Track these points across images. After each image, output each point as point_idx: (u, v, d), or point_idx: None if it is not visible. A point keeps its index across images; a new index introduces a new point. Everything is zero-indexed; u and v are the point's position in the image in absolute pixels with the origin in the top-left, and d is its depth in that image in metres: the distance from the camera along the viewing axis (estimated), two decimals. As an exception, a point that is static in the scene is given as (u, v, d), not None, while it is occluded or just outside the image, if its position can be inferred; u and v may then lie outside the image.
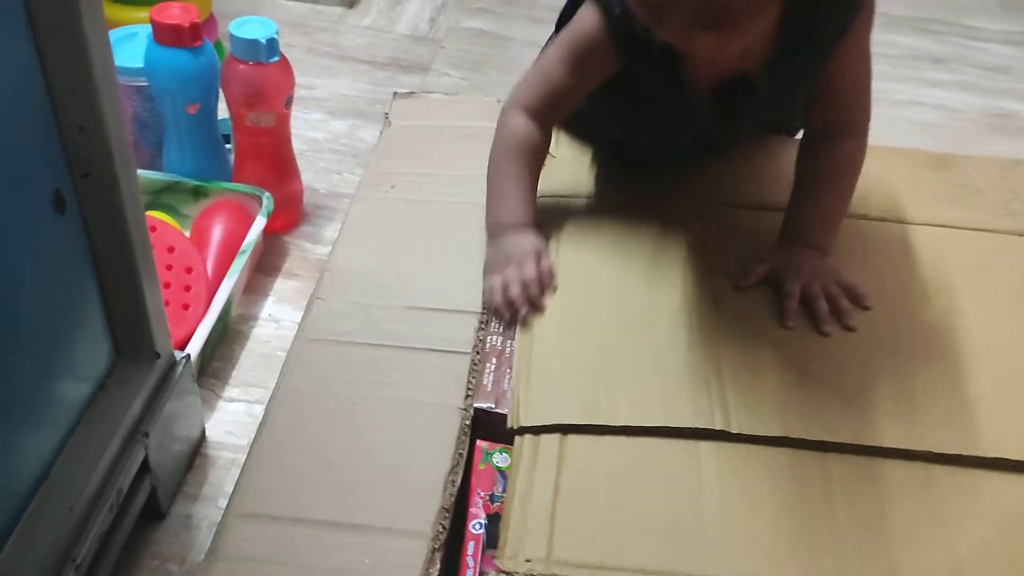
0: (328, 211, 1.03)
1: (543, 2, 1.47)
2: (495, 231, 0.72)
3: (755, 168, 0.80)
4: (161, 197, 0.94)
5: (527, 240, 0.71)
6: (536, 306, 0.67)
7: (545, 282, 0.69)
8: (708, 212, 0.75)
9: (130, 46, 0.96)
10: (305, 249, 0.99)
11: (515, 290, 0.68)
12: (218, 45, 1.16)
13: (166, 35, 0.86)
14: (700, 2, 0.57)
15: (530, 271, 0.68)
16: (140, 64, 0.90)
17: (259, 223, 0.90)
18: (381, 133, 0.75)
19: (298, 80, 0.91)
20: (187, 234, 0.91)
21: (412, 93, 0.78)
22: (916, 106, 1.32)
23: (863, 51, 0.70)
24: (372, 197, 0.72)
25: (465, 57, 1.33)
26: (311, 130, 1.15)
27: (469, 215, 0.71)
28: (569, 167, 0.79)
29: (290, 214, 1.00)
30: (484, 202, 0.70)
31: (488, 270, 0.71)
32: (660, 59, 0.67)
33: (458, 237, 0.70)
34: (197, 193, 0.94)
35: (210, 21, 1.19)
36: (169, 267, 0.83)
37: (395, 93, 0.76)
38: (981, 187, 0.77)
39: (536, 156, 0.73)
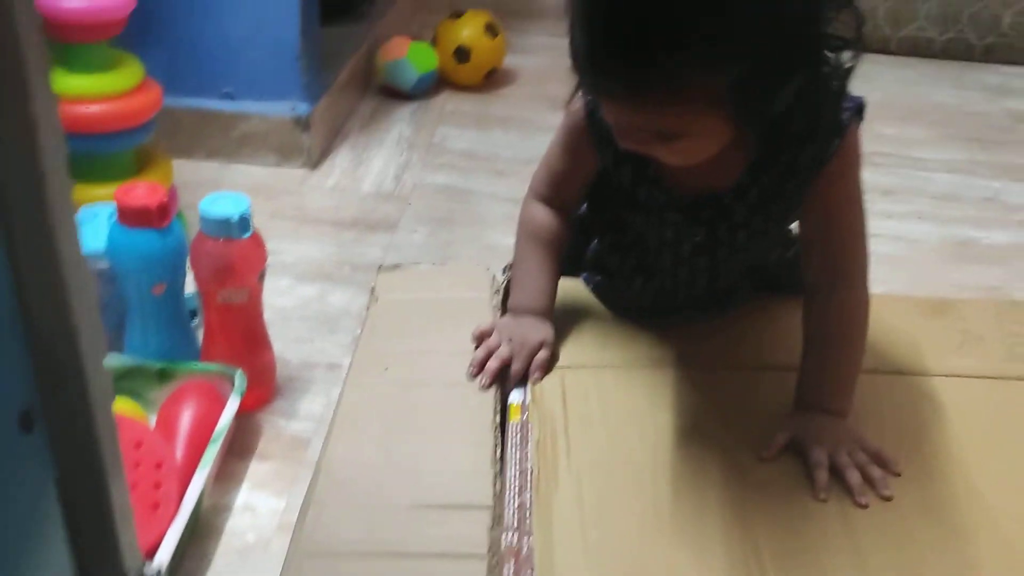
0: (302, 383, 0.98)
1: (504, 155, 1.48)
2: (515, 311, 0.78)
3: (755, 328, 0.78)
4: (123, 383, 0.88)
5: (538, 330, 0.75)
6: (500, 387, 0.73)
7: (529, 376, 0.74)
8: (716, 377, 0.72)
9: (90, 227, 0.91)
10: (279, 426, 0.93)
11: (494, 365, 0.73)
12: (179, 215, 1.13)
13: (132, 217, 0.83)
14: (648, 120, 0.61)
15: (518, 365, 0.73)
16: (102, 246, 0.86)
17: (232, 405, 0.84)
18: (368, 309, 0.71)
19: (264, 247, 0.88)
20: (153, 420, 0.85)
21: (398, 265, 0.75)
22: (876, 238, 1.33)
23: (848, 194, 0.71)
24: (365, 382, 0.68)
25: (432, 214, 1.32)
26: (279, 297, 1.10)
27: (470, 395, 0.67)
28: (568, 334, 0.76)
29: (262, 389, 0.94)
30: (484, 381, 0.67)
31: (496, 328, 0.76)
32: (632, 157, 0.70)
33: (461, 420, 0.65)
34: (163, 376, 0.88)
35: (171, 193, 1.17)
36: (137, 464, 0.76)
37: (380, 266, 0.73)
38: (982, 332, 0.76)
39: (553, 240, 0.78)
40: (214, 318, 0.89)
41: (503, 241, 0.95)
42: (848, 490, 0.63)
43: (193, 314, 0.95)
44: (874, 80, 1.85)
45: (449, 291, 0.75)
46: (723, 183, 0.71)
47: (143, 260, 0.84)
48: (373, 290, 0.74)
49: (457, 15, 1.64)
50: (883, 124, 1.68)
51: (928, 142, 1.63)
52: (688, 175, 0.70)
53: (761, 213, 0.73)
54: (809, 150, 0.68)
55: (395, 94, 1.61)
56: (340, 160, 1.43)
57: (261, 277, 0.89)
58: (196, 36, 1.28)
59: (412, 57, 1.57)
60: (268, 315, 1.00)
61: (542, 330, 0.75)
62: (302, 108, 1.35)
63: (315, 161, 1.39)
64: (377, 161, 1.44)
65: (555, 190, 0.79)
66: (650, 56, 0.57)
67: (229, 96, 1.34)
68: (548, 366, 0.74)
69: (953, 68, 1.95)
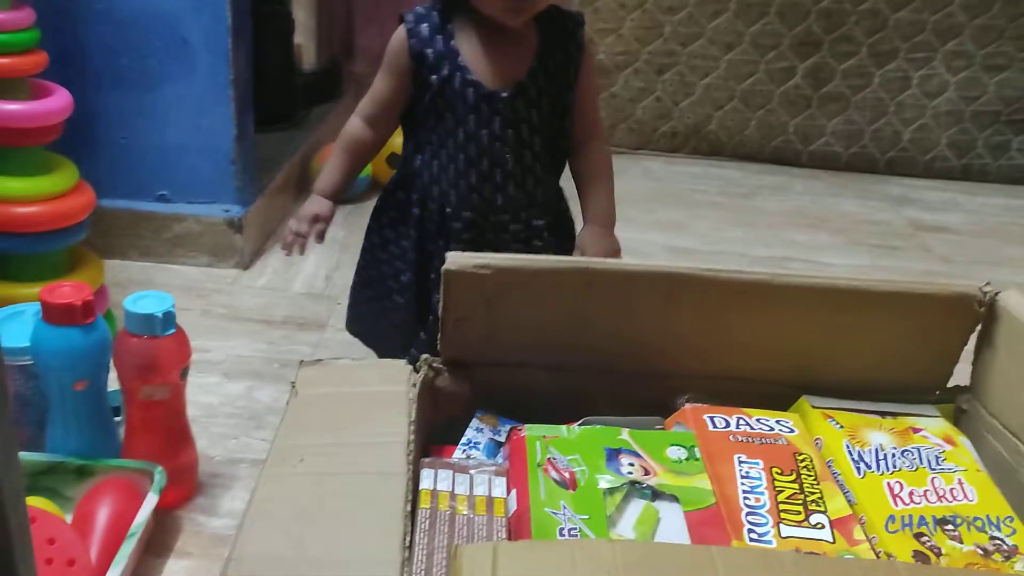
0: (225, 479, 0.99)
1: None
2: (312, 193, 1.03)
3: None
4: (41, 480, 0.88)
5: (316, 204, 1.01)
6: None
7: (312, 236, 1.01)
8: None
9: (15, 325, 0.93)
10: (199, 523, 0.93)
11: (288, 238, 1.01)
12: (108, 315, 1.15)
13: (57, 315, 0.85)
14: None
15: (302, 227, 1.00)
16: (26, 343, 0.87)
17: (150, 501, 0.85)
18: (288, 403, 0.73)
19: (192, 344, 0.90)
20: (70, 518, 0.84)
21: (319, 360, 0.77)
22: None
23: (595, 83, 1.04)
24: (280, 473, 0.69)
25: (361, 312, 1.35)
26: (205, 394, 1.12)
27: (382, 485, 0.69)
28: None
29: (183, 487, 0.94)
30: (397, 470, 0.69)
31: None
32: (445, 55, 0.93)
33: (372, 510, 0.67)
34: (82, 473, 0.89)
35: (100, 291, 1.18)
36: (49, 561, 0.76)
37: (301, 361, 0.76)
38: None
39: (357, 146, 1.01)
40: (136, 415, 0.90)
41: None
42: None
43: (117, 411, 0.96)
44: (787, 191, 1.99)
45: (368, 385, 0.77)
46: (521, 72, 0.94)
47: (65, 357, 0.86)
48: (293, 384, 0.76)
49: (391, 124, 1.72)
50: (795, 231, 1.79)
51: (835, 248, 1.74)
52: (492, 62, 0.93)
53: (551, 100, 0.96)
54: (577, 36, 0.96)
55: (330, 198, 1.67)
56: (272, 261, 1.46)
57: (184, 374, 0.91)
58: (133, 141, 1.33)
59: (347, 163, 1.63)
60: (193, 412, 1.01)
61: (318, 204, 1.01)
62: (235, 211, 1.39)
63: (247, 262, 1.42)
64: (308, 262, 1.47)
65: (372, 108, 0.99)
66: None
67: (164, 199, 1.37)
68: (319, 230, 1.01)
69: (858, 180, 2.10)
